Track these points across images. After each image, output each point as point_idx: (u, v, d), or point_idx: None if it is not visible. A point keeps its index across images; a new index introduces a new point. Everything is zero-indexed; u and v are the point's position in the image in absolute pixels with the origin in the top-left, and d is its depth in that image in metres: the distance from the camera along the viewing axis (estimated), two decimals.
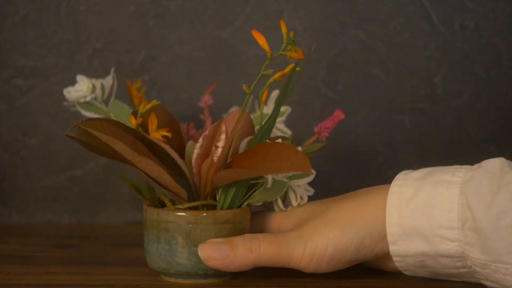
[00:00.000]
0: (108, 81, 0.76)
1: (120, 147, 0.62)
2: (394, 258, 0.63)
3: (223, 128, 0.65)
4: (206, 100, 0.80)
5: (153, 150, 0.65)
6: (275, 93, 0.79)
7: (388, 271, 0.68)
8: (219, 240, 0.64)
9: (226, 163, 0.66)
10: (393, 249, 0.63)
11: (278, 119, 0.78)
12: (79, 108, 0.75)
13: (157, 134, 0.65)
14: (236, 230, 0.65)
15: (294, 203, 0.69)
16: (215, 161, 0.64)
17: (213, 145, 0.66)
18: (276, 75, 0.69)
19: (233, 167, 0.64)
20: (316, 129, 0.75)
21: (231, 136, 0.65)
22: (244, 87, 0.66)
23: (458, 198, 0.60)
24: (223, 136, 0.65)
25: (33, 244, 0.81)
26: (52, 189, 0.92)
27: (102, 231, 0.88)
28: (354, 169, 0.92)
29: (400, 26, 0.91)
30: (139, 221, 0.92)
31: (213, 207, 0.66)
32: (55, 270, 0.70)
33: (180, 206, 0.65)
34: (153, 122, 0.65)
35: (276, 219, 0.69)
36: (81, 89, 0.74)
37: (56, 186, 0.92)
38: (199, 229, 0.64)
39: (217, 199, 0.66)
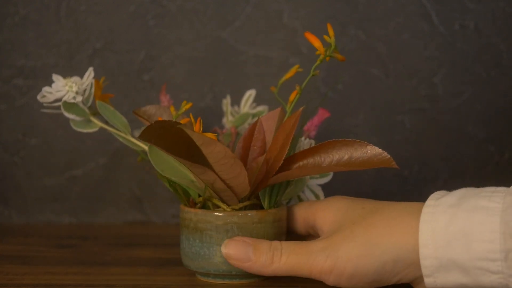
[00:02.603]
0: (92, 81, 0.72)
1: (217, 148, 0.61)
2: None
3: (261, 128, 0.67)
4: (167, 100, 0.79)
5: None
6: (250, 92, 0.82)
7: None
8: (247, 240, 0.64)
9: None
10: (428, 281, 0.59)
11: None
12: (63, 110, 0.70)
13: (210, 134, 0.64)
14: (284, 228, 0.67)
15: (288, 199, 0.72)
16: (273, 161, 0.65)
17: (251, 145, 0.66)
18: (288, 75, 0.71)
19: (296, 165, 0.66)
20: (305, 128, 0.77)
21: (289, 134, 0.65)
22: (297, 88, 0.67)
23: (499, 227, 0.56)
24: (262, 136, 0.67)
25: (33, 244, 0.81)
26: (52, 189, 0.92)
27: (102, 231, 0.88)
28: None
29: (400, 26, 0.91)
30: (139, 221, 0.92)
31: (252, 206, 0.67)
32: (55, 270, 0.70)
33: (235, 207, 0.66)
34: (200, 123, 0.65)
35: (316, 209, 0.68)
36: (62, 89, 0.70)
37: (56, 186, 0.92)
38: (262, 228, 0.65)
39: (263, 198, 0.67)
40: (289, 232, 0.69)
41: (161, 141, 0.61)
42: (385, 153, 0.63)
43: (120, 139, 0.71)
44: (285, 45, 0.91)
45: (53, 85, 0.70)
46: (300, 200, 0.73)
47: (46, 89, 0.70)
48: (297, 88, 0.67)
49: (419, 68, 0.91)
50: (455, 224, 0.58)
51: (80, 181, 0.92)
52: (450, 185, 0.78)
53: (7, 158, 0.92)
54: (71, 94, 0.70)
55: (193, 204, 0.67)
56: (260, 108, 0.83)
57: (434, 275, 0.59)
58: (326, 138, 0.76)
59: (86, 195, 0.92)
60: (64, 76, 0.91)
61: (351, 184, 0.91)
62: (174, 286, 0.65)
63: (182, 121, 0.65)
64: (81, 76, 0.73)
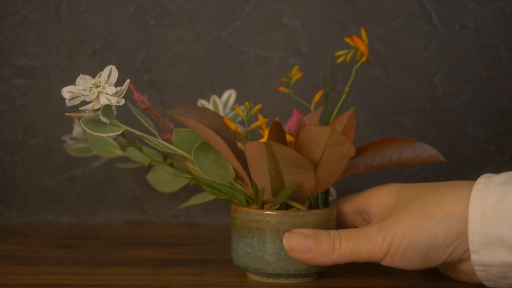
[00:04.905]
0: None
1: (343, 147, 0.62)
2: (476, 268, 0.60)
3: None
4: (143, 100, 0.78)
5: None
6: (229, 92, 0.82)
7: (463, 281, 0.65)
8: (306, 232, 0.64)
9: None
10: (475, 258, 0.60)
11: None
12: (102, 114, 0.63)
13: (290, 137, 0.64)
14: (334, 226, 0.67)
15: (329, 198, 0.73)
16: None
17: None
18: (297, 76, 0.74)
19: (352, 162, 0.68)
20: (286, 127, 0.78)
21: (350, 132, 0.66)
22: (347, 88, 0.68)
23: None
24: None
25: (33, 244, 0.81)
26: (52, 189, 0.92)
27: (102, 231, 0.88)
28: None
29: (400, 26, 0.91)
30: (139, 221, 0.92)
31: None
32: (55, 270, 0.70)
33: (306, 205, 0.66)
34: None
35: (366, 195, 0.69)
36: (95, 90, 0.63)
37: (56, 186, 0.92)
38: (315, 227, 0.65)
39: (315, 196, 0.68)
40: (337, 227, 0.70)
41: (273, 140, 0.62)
42: (433, 148, 0.65)
43: (149, 143, 0.67)
44: (285, 45, 0.91)
45: (82, 86, 0.63)
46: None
47: (79, 90, 0.63)
48: (346, 89, 0.68)
49: (419, 68, 0.91)
50: (504, 203, 0.59)
51: (80, 181, 0.92)
52: None
53: (7, 158, 0.92)
54: (111, 98, 0.63)
55: (262, 205, 0.67)
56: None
57: (481, 251, 0.60)
58: None
59: (86, 195, 0.92)
60: (64, 76, 0.91)
61: (352, 183, 0.91)
62: (174, 286, 0.65)
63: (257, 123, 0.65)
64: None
